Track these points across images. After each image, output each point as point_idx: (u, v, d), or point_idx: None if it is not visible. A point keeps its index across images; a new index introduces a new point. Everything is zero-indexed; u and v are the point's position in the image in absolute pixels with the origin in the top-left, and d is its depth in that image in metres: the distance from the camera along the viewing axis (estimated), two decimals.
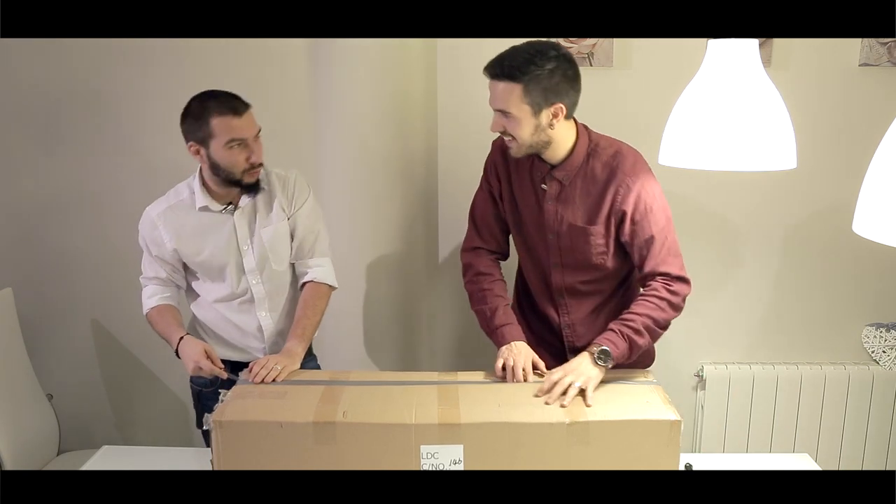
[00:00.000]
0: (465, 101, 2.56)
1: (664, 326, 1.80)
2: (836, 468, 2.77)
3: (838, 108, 2.55)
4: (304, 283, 2.00)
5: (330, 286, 2.01)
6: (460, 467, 1.51)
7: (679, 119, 1.42)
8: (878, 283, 2.72)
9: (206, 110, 1.78)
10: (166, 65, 2.55)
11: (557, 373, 1.68)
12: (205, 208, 1.90)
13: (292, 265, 2.04)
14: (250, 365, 1.78)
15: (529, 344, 1.86)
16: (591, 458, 1.52)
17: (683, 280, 1.82)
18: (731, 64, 1.36)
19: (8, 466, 2.22)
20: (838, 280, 2.72)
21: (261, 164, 1.87)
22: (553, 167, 1.81)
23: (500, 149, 1.92)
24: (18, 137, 2.65)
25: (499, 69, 1.68)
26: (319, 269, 2.00)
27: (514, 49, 1.70)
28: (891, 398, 2.73)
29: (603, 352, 1.70)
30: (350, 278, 2.50)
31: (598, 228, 1.82)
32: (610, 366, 1.71)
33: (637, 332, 1.74)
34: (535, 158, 1.83)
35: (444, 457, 1.50)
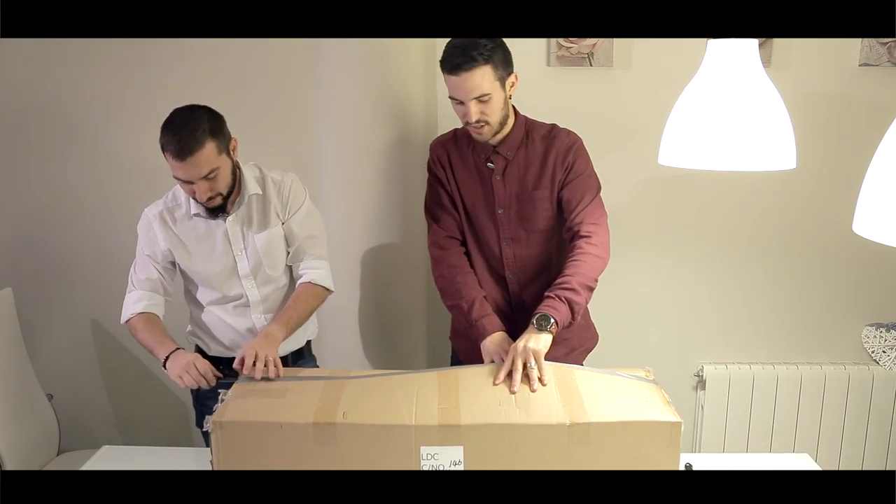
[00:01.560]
0: None
1: (595, 279, 1.89)
2: (836, 468, 2.77)
3: (838, 108, 2.56)
4: (301, 283, 1.99)
5: (325, 288, 2.00)
6: (460, 468, 1.51)
7: (679, 119, 1.42)
8: (878, 283, 2.72)
9: (163, 141, 1.76)
10: (168, 65, 2.56)
11: (508, 361, 1.71)
12: (197, 215, 1.91)
13: (289, 267, 2.04)
14: (236, 361, 1.72)
15: None
16: (591, 459, 1.52)
17: (597, 224, 1.92)
18: (730, 64, 1.35)
19: (8, 466, 2.22)
20: (838, 280, 2.72)
21: (212, 197, 1.82)
22: (495, 146, 1.94)
23: (440, 144, 2.05)
24: (18, 138, 2.65)
25: (469, 57, 1.77)
26: (316, 272, 1.99)
27: (458, 41, 1.80)
28: (891, 398, 2.74)
29: (542, 317, 1.78)
30: (349, 278, 2.50)
31: (544, 192, 1.95)
32: (554, 329, 1.77)
33: (573, 291, 1.82)
34: (476, 141, 1.95)
35: (444, 458, 1.50)
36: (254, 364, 1.69)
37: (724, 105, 1.34)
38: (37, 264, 2.74)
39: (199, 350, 2.04)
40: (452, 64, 1.79)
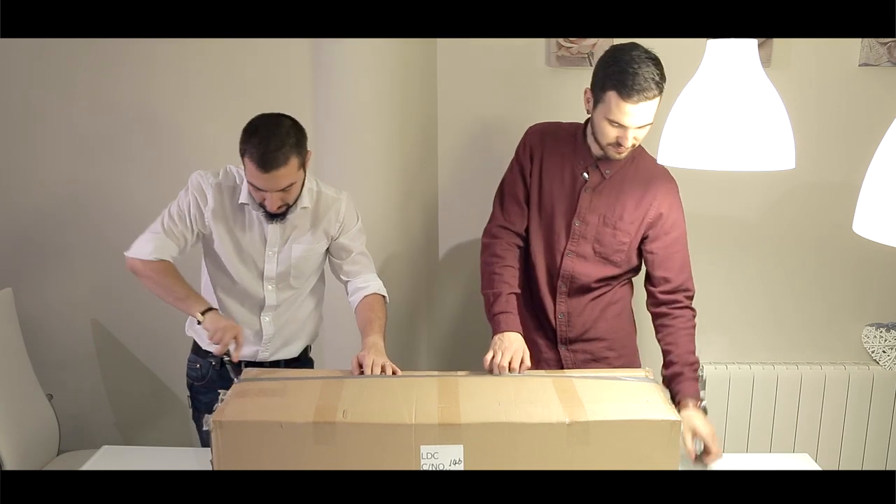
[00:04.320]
0: (465, 101, 2.56)
1: None
2: (836, 468, 2.77)
3: (838, 108, 2.55)
4: (365, 296, 1.99)
5: (385, 298, 2.02)
6: (460, 467, 1.51)
7: (678, 119, 1.42)
8: (878, 283, 2.72)
9: (246, 146, 1.75)
10: (169, 65, 2.56)
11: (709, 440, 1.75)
12: (245, 204, 1.88)
13: (317, 281, 2.04)
14: (353, 368, 1.75)
15: (526, 329, 1.90)
16: (591, 458, 1.52)
17: (694, 292, 1.97)
18: (730, 64, 1.36)
19: (8, 466, 2.22)
20: (838, 280, 2.72)
21: (280, 207, 1.82)
22: (599, 158, 1.87)
23: (538, 134, 1.97)
24: (18, 138, 2.65)
25: (651, 86, 1.69)
26: (378, 283, 2.02)
27: (637, 63, 1.69)
28: (891, 398, 2.74)
29: (704, 408, 1.82)
30: None
31: (630, 227, 1.89)
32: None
33: (698, 370, 1.88)
34: (579, 146, 1.89)
35: (444, 457, 1.50)
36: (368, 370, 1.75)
37: (724, 105, 1.34)
38: (37, 264, 2.74)
39: (196, 345, 2.04)
40: (633, 91, 1.68)
